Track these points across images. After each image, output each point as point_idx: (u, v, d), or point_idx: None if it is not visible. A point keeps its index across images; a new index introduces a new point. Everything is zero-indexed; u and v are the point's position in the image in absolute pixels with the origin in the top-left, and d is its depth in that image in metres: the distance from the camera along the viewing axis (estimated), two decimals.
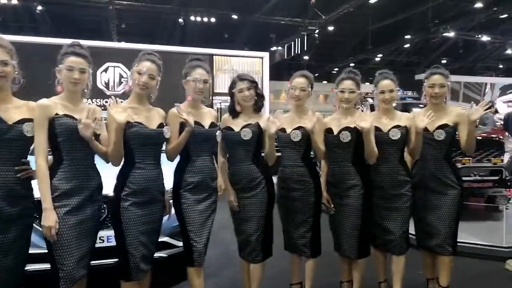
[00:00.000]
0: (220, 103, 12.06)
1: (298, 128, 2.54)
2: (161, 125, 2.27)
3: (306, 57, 20.96)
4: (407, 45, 18.91)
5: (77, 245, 1.99)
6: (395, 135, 2.58)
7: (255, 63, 12.71)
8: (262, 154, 2.57)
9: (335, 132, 2.57)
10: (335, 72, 24.11)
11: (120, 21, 16.02)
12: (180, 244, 2.60)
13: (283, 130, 2.59)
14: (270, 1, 14.91)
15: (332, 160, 2.64)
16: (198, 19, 15.63)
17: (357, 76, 2.61)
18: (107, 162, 2.18)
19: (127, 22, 16.58)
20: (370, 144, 2.49)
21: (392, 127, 2.60)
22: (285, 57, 18.92)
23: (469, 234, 4.01)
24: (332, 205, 2.64)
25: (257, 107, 2.57)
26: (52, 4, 14.50)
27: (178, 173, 2.38)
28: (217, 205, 2.51)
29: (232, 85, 2.54)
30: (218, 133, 2.43)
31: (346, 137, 2.52)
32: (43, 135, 1.93)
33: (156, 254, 2.77)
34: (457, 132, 2.67)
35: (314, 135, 2.52)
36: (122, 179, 2.17)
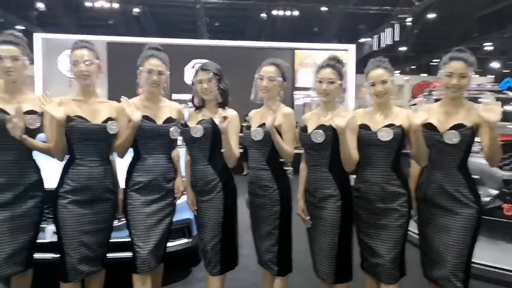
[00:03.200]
0: (303, 98, 11.88)
1: (262, 125, 2.20)
2: (108, 120, 2.13)
3: (403, 48, 19.37)
4: None
5: (7, 241, 1.96)
6: (386, 135, 2.07)
7: (339, 56, 12.11)
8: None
9: (309, 131, 2.16)
10: (435, 63, 21.89)
11: (210, 19, 16.71)
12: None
13: (248, 127, 2.27)
14: None
15: (309, 164, 2.24)
16: (281, 13, 15.46)
17: (338, 64, 2.16)
18: (53, 157, 2.12)
19: (216, 20, 17.22)
20: (345, 147, 2.03)
21: (383, 126, 2.10)
22: (375, 49, 17.68)
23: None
24: (308, 217, 2.24)
25: (221, 102, 2.28)
26: (152, 7, 15.77)
27: (128, 171, 2.22)
28: (175, 208, 2.30)
29: (194, 74, 2.29)
30: (172, 129, 2.21)
31: (318, 137, 2.09)
32: None
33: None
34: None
35: (282, 134, 2.16)
36: (62, 175, 2.09)
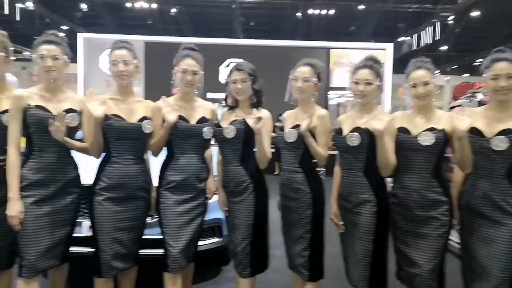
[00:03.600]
0: (337, 97, 11.71)
1: (296, 126, 2.15)
2: (144, 119, 2.16)
3: (444, 47, 18.64)
4: None
5: (46, 235, 2.02)
6: (427, 140, 1.97)
7: (376, 56, 11.83)
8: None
9: (344, 134, 2.10)
10: (478, 63, 20.90)
11: (246, 18, 16.77)
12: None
13: (281, 128, 2.24)
14: None
15: (343, 167, 2.17)
16: (317, 12, 15.28)
17: (376, 64, 2.09)
18: (89, 155, 2.16)
19: (252, 19, 17.26)
20: (383, 151, 1.95)
21: (424, 130, 2.00)
22: (414, 48, 17.11)
23: None
24: (342, 222, 2.17)
25: (254, 102, 2.26)
26: (188, 6, 16.04)
27: (161, 170, 2.24)
28: (206, 208, 2.30)
29: (229, 74, 2.28)
30: (206, 129, 2.20)
31: (354, 140, 2.02)
32: (15, 125, 1.99)
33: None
34: None
35: (316, 136, 2.11)
36: (97, 172, 2.14)
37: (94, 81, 10.34)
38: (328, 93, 11.50)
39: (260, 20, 17.73)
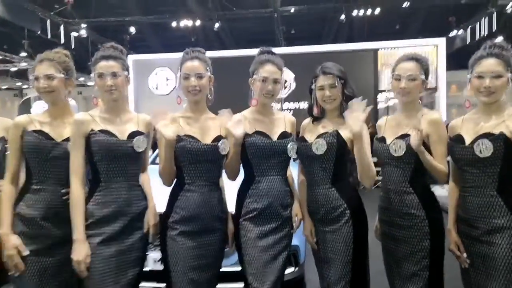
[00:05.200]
0: (387, 100, 11.11)
1: (403, 136, 1.75)
2: (219, 138, 1.86)
3: (498, 39, 17.29)
4: None
5: (113, 279, 1.74)
6: None
7: (427, 53, 11.13)
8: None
9: (467, 142, 1.67)
10: None
11: (287, 27, 16.52)
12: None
13: (381, 139, 1.84)
14: None
15: (465, 185, 1.73)
16: (361, 13, 14.68)
17: (505, 52, 1.65)
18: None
19: (293, 27, 16.98)
20: None
21: None
22: (468, 42, 15.95)
23: None
24: (465, 254, 1.73)
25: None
26: (229, 20, 16.05)
27: (239, 197, 1.92)
28: (291, 240, 1.95)
29: (313, 79, 1.93)
30: (290, 145, 1.87)
31: (484, 149, 1.59)
32: (78, 154, 1.75)
33: None
34: None
35: (430, 147, 1.70)
36: (170, 203, 1.85)
37: (143, 101, 10.44)
38: (377, 96, 10.91)
39: (300, 27, 17.40)
